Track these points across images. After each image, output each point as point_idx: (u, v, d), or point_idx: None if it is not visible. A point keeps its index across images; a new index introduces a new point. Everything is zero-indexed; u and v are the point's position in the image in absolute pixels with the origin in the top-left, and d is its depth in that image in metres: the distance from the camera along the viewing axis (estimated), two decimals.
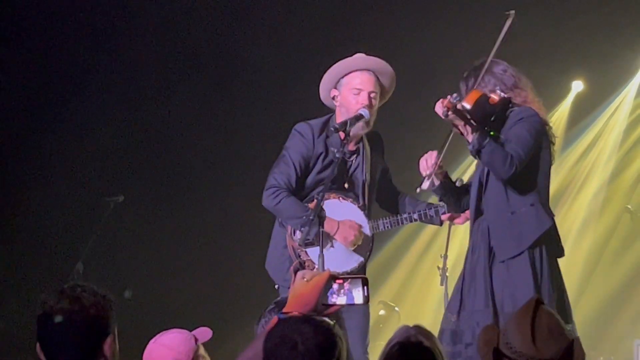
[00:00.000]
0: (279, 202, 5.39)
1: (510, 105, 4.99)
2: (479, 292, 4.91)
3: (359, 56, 5.57)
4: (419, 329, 3.08)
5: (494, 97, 4.96)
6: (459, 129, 4.92)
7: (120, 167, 8.60)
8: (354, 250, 5.46)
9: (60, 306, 2.75)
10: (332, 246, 5.41)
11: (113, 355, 2.82)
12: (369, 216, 5.56)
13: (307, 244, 5.29)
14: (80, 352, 2.76)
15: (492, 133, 4.87)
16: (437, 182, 5.13)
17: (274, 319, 2.70)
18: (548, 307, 2.81)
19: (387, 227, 5.58)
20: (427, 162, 5.06)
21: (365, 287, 2.79)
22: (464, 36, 8.50)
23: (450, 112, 4.80)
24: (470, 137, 4.85)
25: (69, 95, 8.42)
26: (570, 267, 9.55)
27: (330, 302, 2.74)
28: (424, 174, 5.07)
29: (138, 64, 8.55)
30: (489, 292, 4.87)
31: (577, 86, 9.62)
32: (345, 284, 2.76)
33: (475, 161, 5.22)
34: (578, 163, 9.94)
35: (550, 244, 4.97)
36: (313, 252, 5.29)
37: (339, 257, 5.40)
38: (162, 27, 8.48)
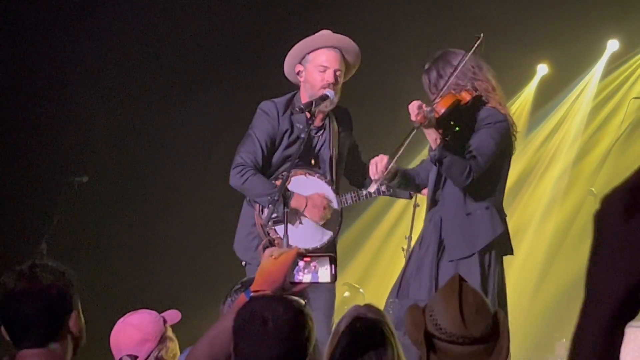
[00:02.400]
0: (246, 180, 5.37)
1: (481, 99, 4.96)
2: (424, 284, 4.88)
3: (326, 33, 5.55)
4: (369, 307, 3.11)
5: (465, 96, 4.92)
6: (424, 132, 4.87)
7: (85, 146, 8.54)
8: (323, 226, 5.45)
9: (19, 287, 2.74)
10: (301, 223, 5.40)
11: (79, 330, 2.81)
12: (336, 191, 5.55)
13: (275, 221, 5.30)
14: (45, 331, 2.74)
15: (457, 129, 4.86)
16: (384, 189, 5.13)
17: (241, 297, 2.69)
18: (470, 285, 2.80)
19: (355, 200, 5.58)
20: (377, 167, 4.89)
21: (332, 265, 2.79)
22: (433, 21, 8.52)
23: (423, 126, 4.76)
24: (432, 142, 4.83)
25: (33, 74, 8.34)
26: (534, 249, 9.63)
27: (296, 280, 2.73)
28: (372, 178, 4.92)
29: (106, 44, 8.48)
30: (433, 286, 4.83)
31: (542, 69, 9.67)
32: (312, 262, 2.76)
33: None
34: (542, 146, 9.98)
35: (500, 246, 4.98)
36: (282, 230, 5.26)
37: (309, 233, 5.39)
38: (128, 13, 8.42)
